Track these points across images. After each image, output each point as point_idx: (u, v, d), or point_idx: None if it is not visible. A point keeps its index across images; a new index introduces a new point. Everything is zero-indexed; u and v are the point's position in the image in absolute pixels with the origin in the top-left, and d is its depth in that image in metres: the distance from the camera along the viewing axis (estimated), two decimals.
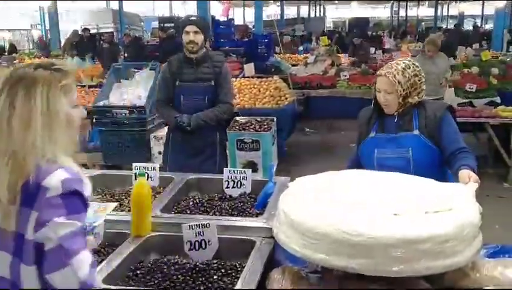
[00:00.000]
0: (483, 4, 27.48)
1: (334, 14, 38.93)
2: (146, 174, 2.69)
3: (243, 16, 31.16)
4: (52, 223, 1.39)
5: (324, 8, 34.95)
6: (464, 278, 1.83)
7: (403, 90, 2.44)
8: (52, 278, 1.39)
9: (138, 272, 1.99)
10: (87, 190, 1.49)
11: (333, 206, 1.82)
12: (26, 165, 1.43)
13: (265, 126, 2.75)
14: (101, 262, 1.97)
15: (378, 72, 2.58)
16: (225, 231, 2.20)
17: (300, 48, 15.81)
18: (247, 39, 12.35)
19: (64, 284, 1.39)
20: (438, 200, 1.87)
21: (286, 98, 6.40)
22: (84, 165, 4.07)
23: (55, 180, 1.42)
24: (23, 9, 22.72)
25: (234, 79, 7.11)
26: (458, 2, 29.23)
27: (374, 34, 20.19)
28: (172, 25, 14.69)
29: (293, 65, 11.29)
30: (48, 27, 18.82)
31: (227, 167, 3.41)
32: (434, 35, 8.52)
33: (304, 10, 31.33)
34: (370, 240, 1.65)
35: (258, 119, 2.85)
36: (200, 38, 3.51)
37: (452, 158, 2.41)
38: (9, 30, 21.31)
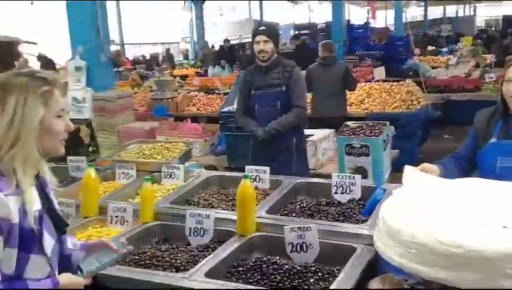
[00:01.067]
0: None
1: (485, 13, 35.88)
2: (256, 177, 2.79)
3: (384, 18, 30.30)
4: None
5: (475, 7, 32.45)
6: None
7: None
8: None
9: (240, 269, 2.07)
10: (2, 208, 1.41)
11: (435, 215, 1.71)
12: None
13: (377, 131, 2.67)
14: (206, 257, 2.11)
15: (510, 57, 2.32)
16: (327, 235, 2.19)
17: (445, 49, 14.89)
18: (383, 42, 11.97)
19: None
20: None
21: (419, 103, 6.09)
22: (213, 167, 4.33)
23: None
24: (176, 24, 24.84)
25: (364, 83, 6.99)
26: None
27: None
28: (307, 31, 14.89)
29: (434, 68, 10.68)
30: (195, 39, 20.29)
31: (306, 170, 3.42)
32: None
33: (451, 10, 29.37)
34: (472, 253, 1.53)
35: (370, 124, 2.77)
36: (269, 46, 3.59)
37: None
38: (162, 43, 23.44)
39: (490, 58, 10.77)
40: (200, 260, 2.11)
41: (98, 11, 4.97)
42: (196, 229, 2.33)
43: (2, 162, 1.46)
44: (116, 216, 2.49)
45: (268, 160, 3.28)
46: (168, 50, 18.41)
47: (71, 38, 5.17)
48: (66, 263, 1.68)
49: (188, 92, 8.53)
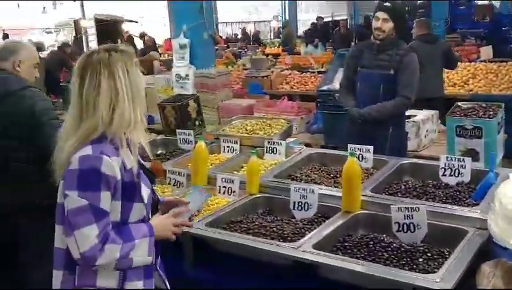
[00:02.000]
0: None
1: None
2: (360, 156, 2.80)
3: None
4: (66, 195, 1.63)
5: None
6: None
7: None
8: (67, 242, 1.67)
9: (346, 244, 2.11)
10: (109, 169, 1.63)
11: None
12: (87, 137, 1.68)
13: (491, 112, 2.55)
14: (312, 230, 2.17)
15: None
16: (436, 217, 2.16)
17: None
18: (488, 20, 11.20)
19: (72, 252, 1.64)
20: None
21: None
22: (309, 145, 4.37)
23: (77, 155, 1.63)
24: (267, 2, 24.91)
25: (469, 63, 6.61)
26: None
27: None
28: (407, 8, 14.23)
29: None
30: (287, 18, 20.25)
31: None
32: None
33: None
34: None
35: (483, 105, 2.64)
36: (388, 26, 3.34)
37: None
38: (254, 22, 23.66)
39: None
40: (307, 232, 2.18)
41: None
42: (300, 203, 2.40)
43: (106, 126, 1.67)
44: (224, 187, 2.62)
45: (361, 144, 2.94)
46: (243, 29, 18.24)
47: (175, 17, 5.41)
48: (155, 208, 1.97)
49: (282, 70, 8.59)
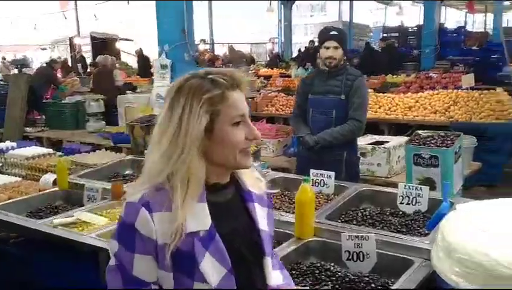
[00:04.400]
0: None
1: None
2: (321, 181, 2.78)
3: (483, 22, 28.60)
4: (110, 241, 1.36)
5: None
6: None
7: None
8: None
9: (293, 272, 2.08)
10: (144, 226, 1.26)
11: (496, 235, 1.62)
12: (146, 181, 1.33)
13: (449, 142, 2.54)
14: None
15: None
16: (386, 246, 2.13)
17: None
18: (478, 48, 11.33)
19: None
20: None
21: (509, 114, 5.70)
22: (285, 168, 4.36)
23: (127, 199, 1.33)
24: (265, 24, 25.20)
25: (451, 91, 6.65)
26: None
27: None
28: (397, 34, 14.45)
29: None
30: (283, 40, 20.43)
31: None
32: None
33: None
34: None
35: (442, 134, 2.64)
36: (339, 53, 3.42)
37: None
38: (250, 43, 23.83)
39: None
40: None
41: (185, 13, 5.19)
42: None
43: (167, 175, 1.30)
44: None
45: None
46: (231, 49, 18.23)
47: (158, 37, 5.46)
48: None
49: (269, 92, 8.63)
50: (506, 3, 19.07)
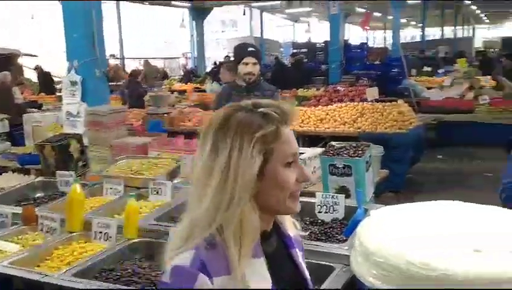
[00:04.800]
0: None
1: (485, 34, 36.28)
2: None
3: (383, 38, 30.62)
4: None
5: (474, 29, 32.81)
6: None
7: None
8: None
9: None
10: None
11: (409, 238, 1.74)
12: (191, 235, 1.12)
13: (360, 152, 2.71)
14: None
15: None
16: (307, 254, 2.19)
17: (441, 71, 15.04)
18: (380, 63, 12.10)
19: None
20: None
21: (410, 123, 6.15)
22: None
23: (171, 264, 1.09)
24: (178, 39, 25.10)
25: (357, 103, 7.04)
26: None
27: None
28: (305, 50, 15.05)
29: (429, 88, 10.79)
30: (196, 55, 20.46)
31: None
32: None
33: (449, 31, 29.69)
34: (443, 276, 1.55)
35: (354, 145, 2.82)
36: (257, 69, 3.55)
37: None
38: (162, 58, 23.60)
39: (484, 80, 10.86)
40: None
41: (94, 27, 5.03)
42: None
43: (214, 228, 1.10)
44: (100, 232, 2.50)
45: None
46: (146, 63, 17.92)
47: (67, 53, 5.23)
48: None
49: (185, 107, 8.59)
50: (403, 20, 20.58)
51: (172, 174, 3.33)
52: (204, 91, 12.03)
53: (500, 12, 29.93)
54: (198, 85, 13.95)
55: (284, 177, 1.14)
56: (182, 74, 19.50)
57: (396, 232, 1.82)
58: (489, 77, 11.47)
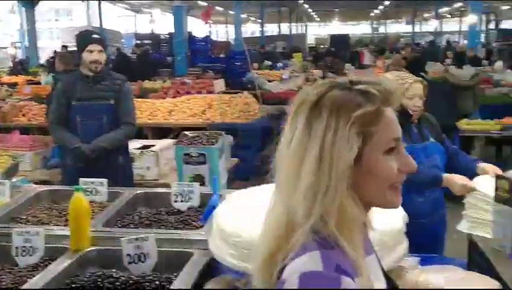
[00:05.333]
0: (460, 21, 28.09)
1: (316, 31, 39.47)
2: (93, 190, 2.70)
3: (226, 32, 31.46)
4: None
5: (306, 26, 35.47)
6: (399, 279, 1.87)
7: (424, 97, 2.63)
8: None
9: (73, 285, 1.98)
10: None
11: (261, 215, 1.85)
12: (291, 231, 0.98)
13: (213, 140, 2.79)
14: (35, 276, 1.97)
15: (411, 80, 2.64)
16: (166, 244, 2.21)
17: (280, 64, 16.00)
18: (224, 56, 12.44)
19: None
20: None
21: (256, 114, 6.46)
22: (47, 182, 4.05)
23: (292, 269, 0.94)
24: (7, 28, 22.74)
25: (205, 95, 7.18)
26: (433, 19, 29.90)
27: (353, 50, 20.53)
28: (149, 41, 14.79)
29: (270, 81, 11.40)
30: (27, 44, 18.75)
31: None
32: (397, 55, 8.61)
33: (285, 28, 31.70)
34: None
35: (207, 133, 2.89)
36: (103, 57, 3.41)
37: (455, 157, 2.69)
38: None
39: (317, 73, 11.83)
40: (28, 280, 1.97)
41: None
42: (24, 248, 2.17)
43: (317, 223, 0.96)
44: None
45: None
46: None
47: None
48: None
49: (18, 101, 7.85)
50: (244, 16, 21.40)
51: (9, 173, 3.04)
52: (39, 83, 11.09)
53: (328, 11, 32.88)
54: (31, 77, 12.80)
55: (383, 165, 0.99)
56: (11, 65, 17.74)
57: (250, 213, 1.91)
58: (321, 70, 12.54)
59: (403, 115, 2.58)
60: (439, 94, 6.15)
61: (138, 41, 15.30)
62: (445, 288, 1.78)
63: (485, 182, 2.30)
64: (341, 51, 18.81)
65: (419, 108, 2.58)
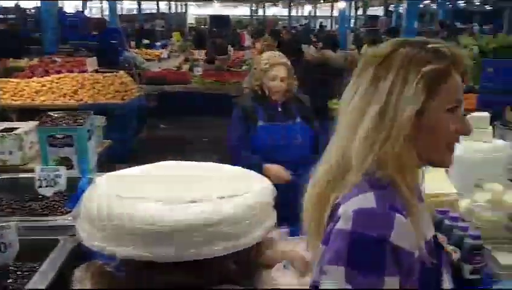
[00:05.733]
0: (332, 6, 29.67)
1: (196, 11, 39.10)
2: None
3: (100, 9, 29.85)
4: (322, 270, 0.99)
5: (186, 5, 34.96)
6: (261, 256, 1.96)
7: (293, 78, 2.68)
8: None
9: None
10: (402, 237, 0.96)
11: (131, 198, 1.81)
12: (345, 174, 1.06)
13: (81, 120, 2.66)
14: None
15: (275, 60, 2.66)
16: (30, 231, 2.08)
17: (159, 44, 15.62)
18: (98, 33, 11.81)
19: None
20: (237, 185, 1.96)
21: (132, 94, 6.26)
22: None
23: (347, 207, 1.00)
24: None
25: (76, 74, 6.77)
26: (308, 4, 31.30)
27: (233, 31, 20.70)
28: (14, 16, 13.54)
29: (149, 60, 11.10)
30: None
31: None
32: (268, 37, 8.82)
33: (164, 5, 30.92)
34: (164, 228, 1.68)
35: (74, 114, 2.74)
36: None
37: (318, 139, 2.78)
38: None
39: (198, 53, 11.78)
40: None
41: None
42: None
43: (372, 169, 1.02)
44: None
45: None
46: None
47: None
48: None
49: None
50: None
51: None
52: None
53: None
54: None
55: (443, 122, 1.04)
56: None
57: (120, 194, 1.86)
58: (203, 50, 12.50)
59: (264, 94, 2.69)
60: (314, 76, 6.43)
61: (1, 16, 13.89)
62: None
63: None
64: (222, 32, 18.88)
65: (281, 88, 2.66)
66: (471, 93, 5.68)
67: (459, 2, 28.63)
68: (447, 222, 1.75)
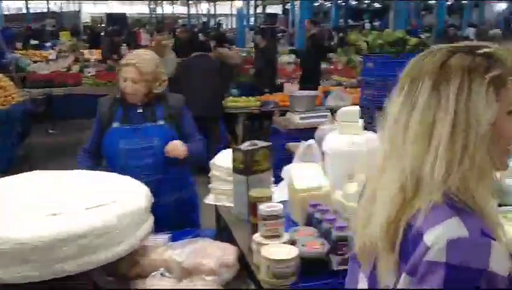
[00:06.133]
0: (231, 5, 29.91)
1: (92, 10, 37.45)
2: None
3: None
4: None
5: (80, 4, 33.39)
6: (136, 265, 1.87)
7: (151, 80, 2.50)
8: None
9: None
10: (501, 262, 0.91)
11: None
12: (415, 197, 0.99)
13: None
14: None
15: (125, 61, 2.55)
16: None
17: (48, 44, 14.74)
18: None
19: None
20: (105, 194, 1.85)
21: (13, 98, 5.81)
22: None
23: (436, 236, 0.92)
24: None
25: None
26: (206, 2, 31.32)
27: (130, 30, 20.07)
28: None
29: (37, 62, 10.41)
30: None
31: None
32: (158, 37, 8.67)
33: (53, 5, 29.23)
34: (21, 246, 1.54)
35: None
36: None
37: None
38: None
39: (89, 53, 11.26)
40: None
41: None
42: None
43: (453, 186, 0.95)
44: None
45: None
46: None
47: None
48: None
49: None
50: None
51: None
52: None
53: None
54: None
55: (510, 126, 1.00)
56: None
57: None
58: (97, 50, 11.95)
59: (123, 97, 2.58)
60: (210, 74, 6.34)
61: None
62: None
63: (225, 156, 2.46)
64: (119, 30, 18.20)
65: (131, 90, 2.50)
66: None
67: (351, 0, 30.21)
68: (316, 215, 1.78)
